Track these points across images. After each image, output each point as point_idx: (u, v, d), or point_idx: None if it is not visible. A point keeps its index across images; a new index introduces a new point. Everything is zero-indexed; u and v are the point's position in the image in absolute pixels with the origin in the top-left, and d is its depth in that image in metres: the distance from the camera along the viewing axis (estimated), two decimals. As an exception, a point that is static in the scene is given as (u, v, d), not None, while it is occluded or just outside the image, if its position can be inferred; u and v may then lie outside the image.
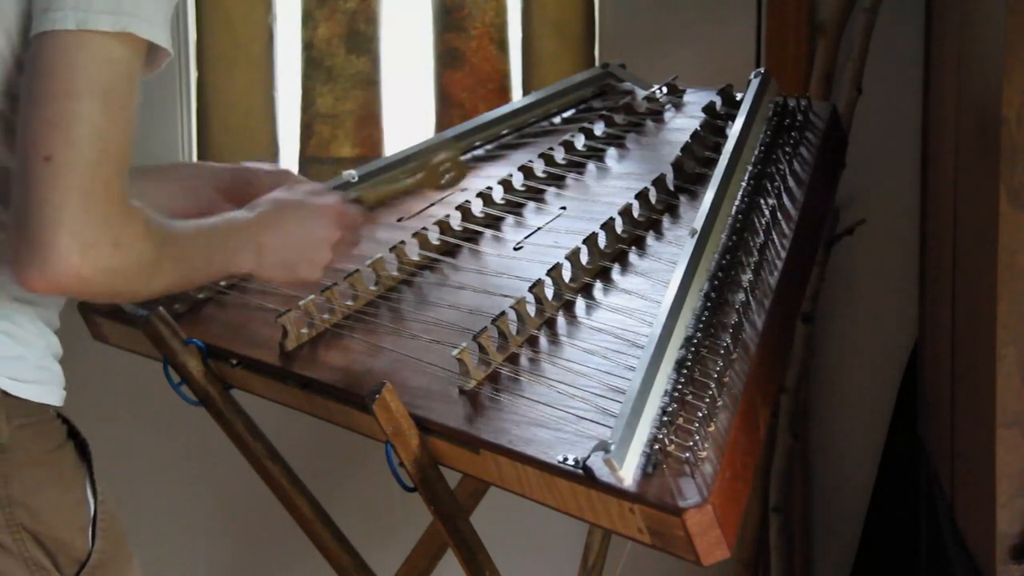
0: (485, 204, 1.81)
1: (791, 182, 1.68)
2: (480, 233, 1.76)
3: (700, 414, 1.24)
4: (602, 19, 2.59)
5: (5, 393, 1.26)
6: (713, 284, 1.44)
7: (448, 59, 2.64)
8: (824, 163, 1.76)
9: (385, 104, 2.66)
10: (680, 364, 1.32)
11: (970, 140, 1.82)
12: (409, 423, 1.39)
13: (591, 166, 1.89)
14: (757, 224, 1.58)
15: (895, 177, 2.51)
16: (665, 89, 2.05)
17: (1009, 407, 1.53)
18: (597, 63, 2.54)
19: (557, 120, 2.09)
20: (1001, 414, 1.53)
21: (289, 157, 2.67)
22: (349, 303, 1.63)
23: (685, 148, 1.78)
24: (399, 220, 1.84)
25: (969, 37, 1.88)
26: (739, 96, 1.87)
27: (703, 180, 1.72)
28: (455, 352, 1.41)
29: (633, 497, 1.18)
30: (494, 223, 1.78)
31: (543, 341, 1.47)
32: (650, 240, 1.65)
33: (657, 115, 2.00)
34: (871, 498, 2.53)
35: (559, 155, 1.91)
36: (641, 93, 2.06)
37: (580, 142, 1.93)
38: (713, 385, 1.28)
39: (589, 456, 1.21)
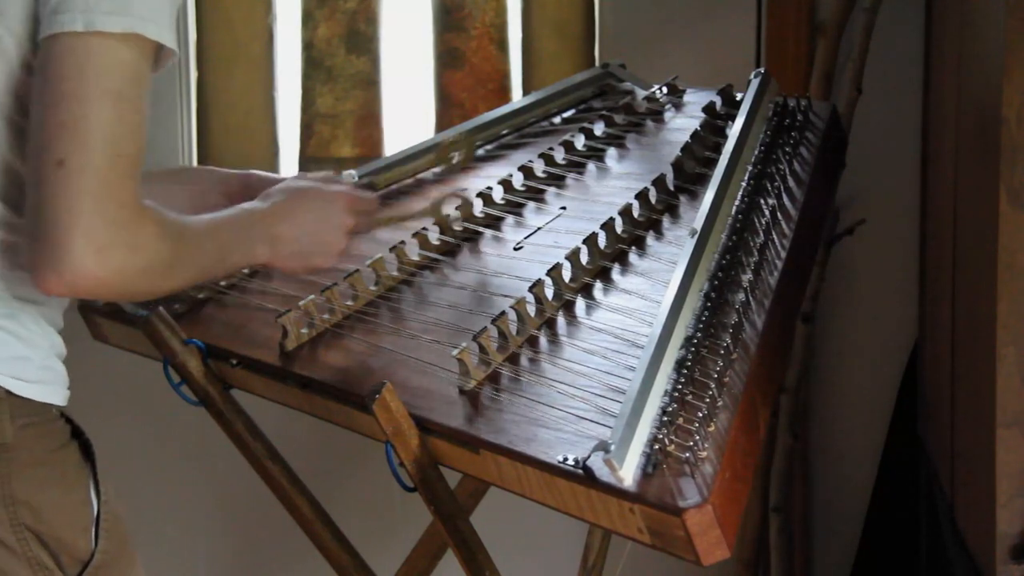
0: (485, 204, 1.81)
1: (791, 182, 1.68)
2: (480, 233, 1.76)
3: (700, 414, 1.24)
4: (602, 19, 2.59)
5: (9, 393, 1.26)
6: (713, 284, 1.44)
7: (448, 59, 2.64)
8: (824, 163, 1.76)
9: (385, 104, 2.66)
10: (680, 364, 1.32)
11: (970, 140, 1.82)
12: (409, 423, 1.39)
13: (591, 166, 1.89)
14: (757, 224, 1.58)
15: (895, 177, 2.51)
16: (665, 89, 2.05)
17: (1009, 407, 1.53)
18: (597, 63, 2.54)
19: (557, 120, 2.09)
20: (1001, 414, 1.53)
21: (289, 157, 2.67)
22: (349, 303, 1.63)
23: (685, 148, 1.78)
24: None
25: (969, 37, 1.88)
26: (739, 96, 1.87)
27: (703, 180, 1.72)
28: (455, 352, 1.41)
29: (633, 497, 1.18)
30: (494, 223, 1.78)
31: (543, 341, 1.47)
32: (650, 240, 1.65)
33: (657, 115, 2.00)
34: (871, 498, 2.53)
35: (559, 155, 1.91)
36: (641, 93, 2.06)
37: (580, 142, 1.93)
38: (713, 385, 1.28)
39: (589, 456, 1.21)
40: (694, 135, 1.80)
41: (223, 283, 1.75)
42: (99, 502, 1.33)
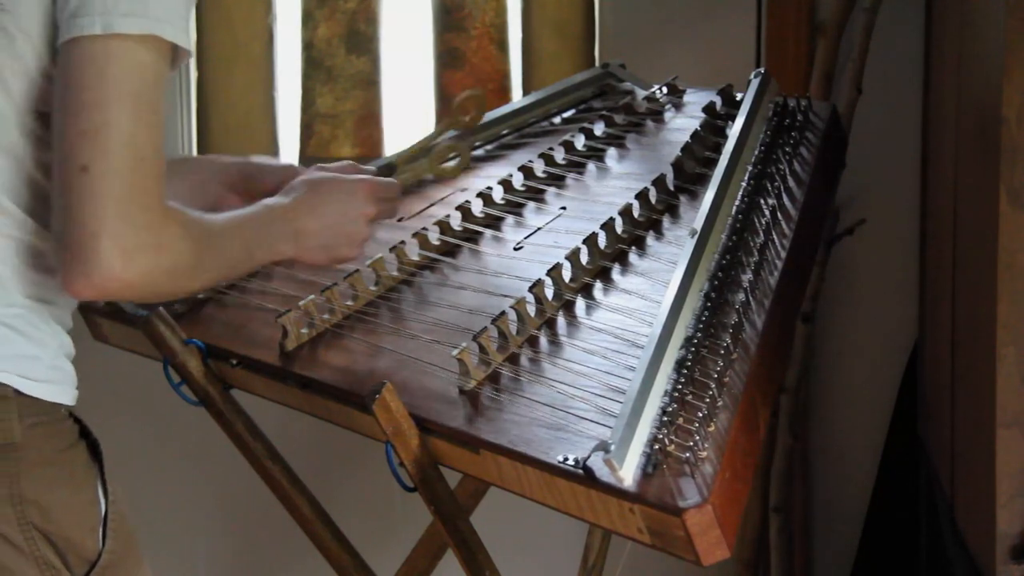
0: (485, 204, 1.80)
1: (791, 182, 1.68)
2: (480, 233, 1.76)
3: (700, 414, 1.24)
4: (602, 19, 2.59)
5: (18, 392, 1.27)
6: (713, 284, 1.44)
7: (448, 59, 2.64)
8: (824, 163, 1.76)
9: (385, 104, 2.66)
10: (680, 364, 1.32)
11: (970, 140, 1.82)
12: (409, 423, 1.39)
13: (591, 166, 1.89)
14: (757, 224, 1.58)
15: (895, 177, 2.51)
16: (665, 89, 2.05)
17: (1009, 407, 1.53)
18: (597, 63, 2.54)
19: (557, 120, 2.09)
20: (1001, 414, 1.53)
21: (289, 157, 2.67)
22: (349, 303, 1.63)
23: (685, 148, 1.78)
24: (399, 220, 1.84)
25: (969, 37, 1.88)
26: (739, 96, 1.87)
27: (703, 180, 1.72)
28: (455, 352, 1.41)
29: (633, 497, 1.18)
30: (494, 223, 1.78)
31: (543, 341, 1.47)
32: (650, 240, 1.65)
33: (657, 115, 2.00)
34: (871, 498, 2.53)
35: (559, 155, 1.91)
36: (641, 93, 2.06)
37: (580, 142, 1.93)
38: (713, 385, 1.28)
39: (589, 456, 1.21)
40: (694, 135, 1.80)
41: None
42: (107, 502, 1.33)
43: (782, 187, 1.66)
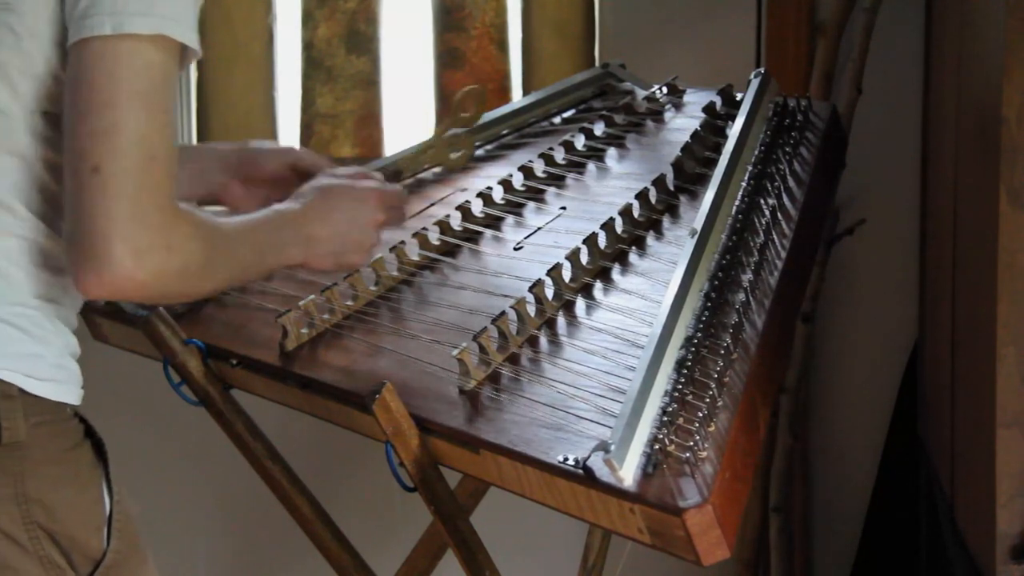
0: (485, 204, 1.80)
1: (791, 182, 1.68)
2: (480, 233, 1.76)
3: (700, 414, 1.24)
4: (602, 19, 2.59)
5: (22, 391, 1.27)
6: (713, 284, 1.44)
7: (448, 59, 2.64)
8: (824, 163, 1.76)
9: (385, 104, 2.66)
10: (680, 364, 1.32)
11: (970, 140, 1.82)
12: (409, 423, 1.39)
13: (591, 166, 1.89)
14: (757, 224, 1.58)
15: (895, 177, 2.51)
16: (665, 89, 2.05)
17: (1009, 407, 1.53)
18: (597, 63, 2.54)
19: (557, 120, 2.09)
20: (1001, 414, 1.53)
21: (289, 157, 2.66)
22: (349, 303, 1.63)
23: (685, 148, 1.78)
24: (399, 220, 1.84)
25: (969, 37, 1.88)
26: (739, 96, 1.87)
27: (703, 180, 1.72)
28: (455, 352, 1.41)
29: (633, 497, 1.18)
30: (494, 223, 1.78)
31: (543, 341, 1.47)
32: (650, 240, 1.65)
33: (657, 115, 2.00)
34: (871, 498, 2.53)
35: (559, 155, 1.91)
36: (641, 93, 2.06)
37: (580, 142, 1.93)
38: (713, 385, 1.28)
39: (589, 456, 1.21)
40: (694, 135, 1.80)
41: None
42: (111, 502, 1.33)
43: (782, 187, 1.66)
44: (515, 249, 1.70)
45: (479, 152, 2.01)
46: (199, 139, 2.64)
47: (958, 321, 1.94)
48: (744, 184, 1.63)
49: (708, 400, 1.26)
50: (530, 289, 1.51)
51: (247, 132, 2.63)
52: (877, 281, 2.54)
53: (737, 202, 1.59)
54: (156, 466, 2.59)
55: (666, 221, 1.68)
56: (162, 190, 1.21)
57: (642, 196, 1.69)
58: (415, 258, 1.70)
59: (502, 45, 2.64)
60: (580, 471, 1.21)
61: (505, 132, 2.05)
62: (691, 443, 1.21)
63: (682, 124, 1.94)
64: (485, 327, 1.44)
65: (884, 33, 2.42)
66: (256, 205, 1.67)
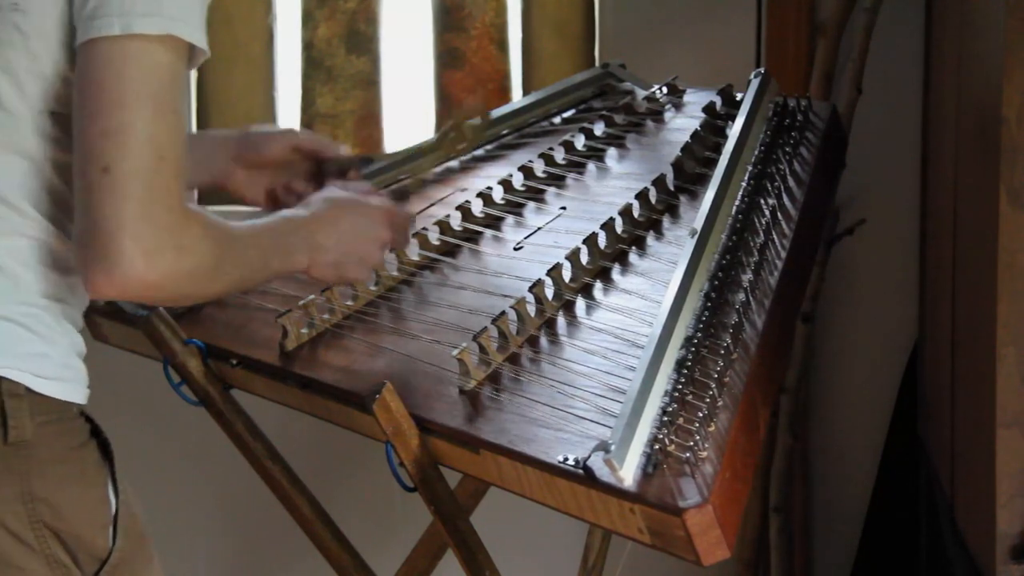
0: (485, 204, 1.80)
1: (791, 182, 1.68)
2: (480, 233, 1.76)
3: (700, 414, 1.24)
4: (602, 19, 2.59)
5: (29, 390, 1.27)
6: (713, 284, 1.44)
7: (448, 59, 2.64)
8: (824, 163, 1.76)
9: (385, 104, 2.66)
10: (680, 364, 1.32)
11: (970, 140, 1.82)
12: (409, 423, 1.39)
13: (591, 166, 1.89)
14: (757, 224, 1.58)
15: (895, 177, 2.51)
16: (665, 89, 2.05)
17: (1009, 407, 1.53)
18: (597, 63, 2.54)
19: (557, 120, 2.09)
20: (1001, 414, 1.53)
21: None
22: (349, 303, 1.63)
23: (685, 148, 1.78)
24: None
25: (969, 37, 1.88)
26: (739, 96, 1.87)
27: (703, 180, 1.72)
28: (455, 352, 1.41)
29: (633, 497, 1.18)
30: (494, 223, 1.78)
31: (543, 341, 1.47)
32: (650, 240, 1.65)
33: (657, 115, 2.00)
34: (871, 498, 2.53)
35: (559, 155, 1.91)
36: (641, 93, 2.06)
37: (580, 142, 1.93)
38: (713, 385, 1.28)
39: (589, 456, 1.21)
40: (694, 135, 1.80)
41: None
42: (117, 501, 1.34)
43: (782, 187, 1.66)
44: (515, 249, 1.70)
45: (479, 152, 2.01)
46: (199, 139, 2.64)
47: (958, 321, 1.94)
48: (744, 184, 1.63)
49: (708, 400, 1.26)
50: (530, 289, 1.51)
51: (247, 132, 2.63)
52: (877, 281, 2.54)
53: (737, 202, 1.59)
54: (156, 466, 2.59)
55: (666, 221, 1.68)
56: (172, 191, 1.21)
57: (642, 196, 1.69)
58: (415, 258, 1.70)
59: (502, 45, 2.64)
60: (580, 471, 1.21)
61: (505, 132, 2.05)
62: (691, 443, 1.21)
63: (682, 124, 1.94)
64: (485, 327, 1.44)
65: (884, 33, 2.42)
66: (259, 190, 1.68)
